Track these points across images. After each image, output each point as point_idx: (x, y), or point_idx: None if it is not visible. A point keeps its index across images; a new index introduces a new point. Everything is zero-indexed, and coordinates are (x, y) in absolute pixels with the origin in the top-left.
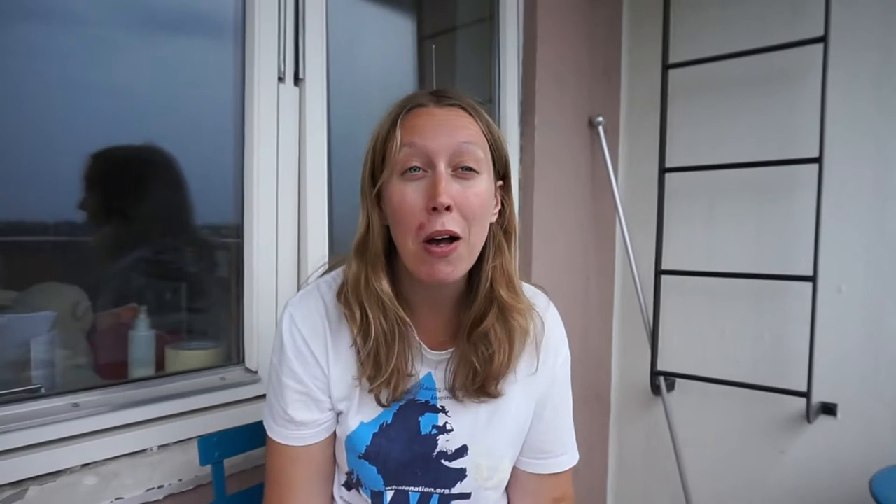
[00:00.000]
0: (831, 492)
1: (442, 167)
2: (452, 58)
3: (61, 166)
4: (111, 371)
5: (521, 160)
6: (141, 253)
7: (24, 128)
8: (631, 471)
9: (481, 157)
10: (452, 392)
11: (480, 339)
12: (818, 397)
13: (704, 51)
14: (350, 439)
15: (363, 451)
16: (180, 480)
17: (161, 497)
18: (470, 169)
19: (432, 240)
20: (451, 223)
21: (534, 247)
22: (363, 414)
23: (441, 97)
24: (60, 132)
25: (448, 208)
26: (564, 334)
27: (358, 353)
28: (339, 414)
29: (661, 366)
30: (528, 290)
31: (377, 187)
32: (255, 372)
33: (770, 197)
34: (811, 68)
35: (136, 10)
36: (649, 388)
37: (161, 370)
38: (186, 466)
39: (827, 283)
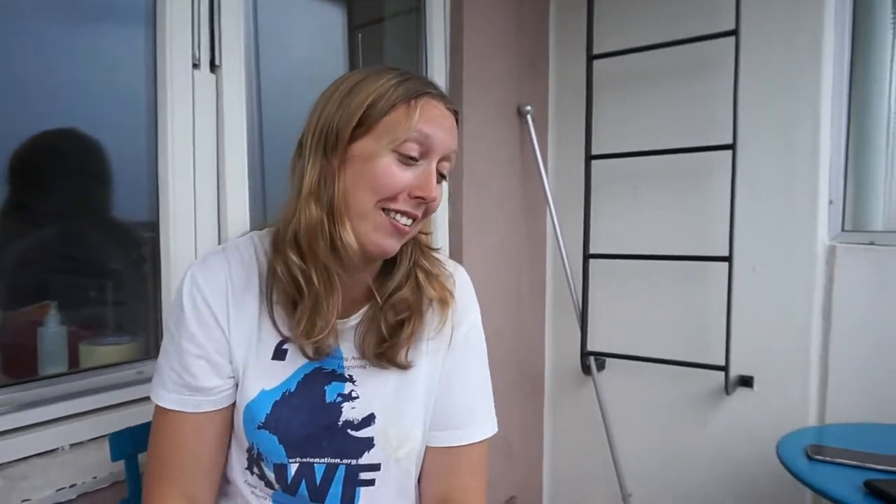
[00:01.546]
0: (750, 458)
1: (434, 165)
2: (380, 48)
3: None
4: (19, 370)
5: None
6: (51, 247)
7: None
8: (565, 450)
9: (453, 164)
10: (363, 357)
11: (391, 308)
12: (736, 371)
13: (627, 42)
14: (249, 408)
15: (263, 420)
16: (95, 478)
17: (74, 496)
18: (443, 176)
19: (391, 212)
20: (420, 210)
21: (464, 235)
22: (264, 381)
23: (444, 97)
24: None
25: (432, 201)
26: (474, 300)
27: (280, 310)
28: (236, 384)
29: (591, 346)
30: (445, 260)
31: (352, 143)
32: None
33: (690, 182)
34: (725, 60)
35: None
36: (580, 369)
37: (75, 367)
38: (102, 464)
39: (741, 263)
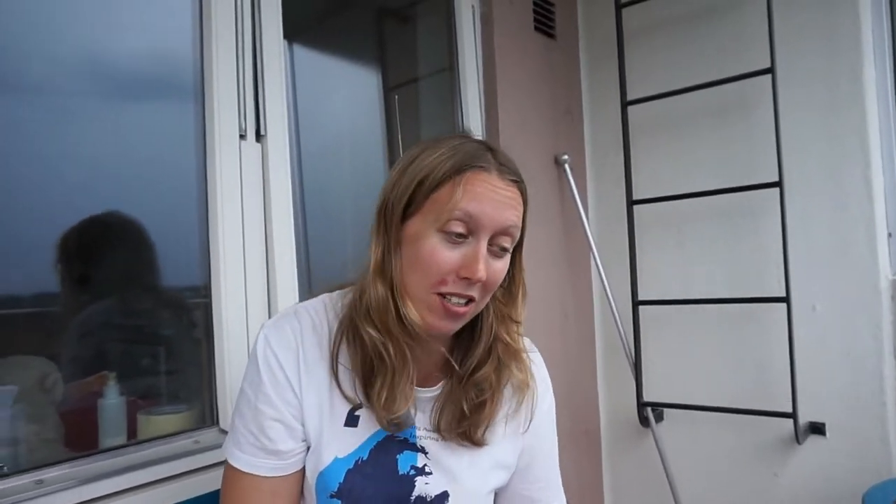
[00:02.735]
0: None
1: (484, 244)
2: (416, 107)
3: (29, 238)
4: (81, 443)
5: None
6: (109, 319)
7: None
8: None
9: (517, 238)
10: (437, 431)
11: (475, 385)
12: (805, 417)
13: (661, 86)
14: (322, 476)
15: (335, 489)
16: None
17: None
18: (505, 249)
19: (447, 294)
20: (473, 291)
21: None
22: (337, 448)
23: (502, 165)
24: (28, 204)
25: (481, 282)
26: (548, 381)
27: (346, 378)
28: (308, 449)
29: (648, 397)
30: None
31: (405, 220)
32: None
33: (736, 222)
34: (763, 98)
35: (98, 78)
36: (637, 420)
37: (133, 438)
38: None
39: (800, 302)
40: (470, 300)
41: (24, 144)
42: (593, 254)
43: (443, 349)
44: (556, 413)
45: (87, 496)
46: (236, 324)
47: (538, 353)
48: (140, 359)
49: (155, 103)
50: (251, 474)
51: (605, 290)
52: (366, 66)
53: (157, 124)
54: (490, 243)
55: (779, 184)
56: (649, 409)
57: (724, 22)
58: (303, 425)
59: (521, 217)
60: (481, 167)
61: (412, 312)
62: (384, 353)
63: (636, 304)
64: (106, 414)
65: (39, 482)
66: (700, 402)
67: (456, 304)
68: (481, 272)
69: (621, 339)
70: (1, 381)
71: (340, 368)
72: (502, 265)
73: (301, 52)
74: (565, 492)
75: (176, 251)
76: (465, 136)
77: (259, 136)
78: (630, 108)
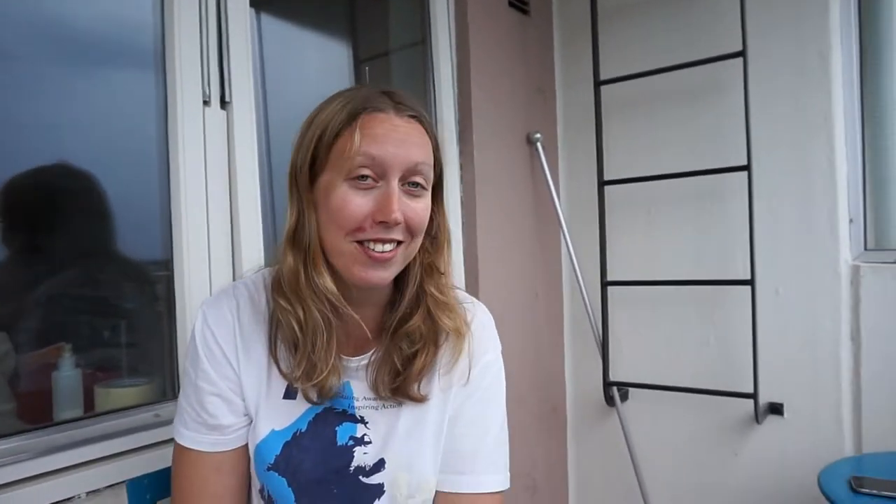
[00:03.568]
0: (783, 488)
1: (395, 183)
2: (388, 80)
3: None
4: (35, 415)
5: (462, 179)
6: (64, 288)
7: None
8: (591, 483)
9: (430, 177)
10: (376, 393)
11: (404, 338)
12: (765, 398)
13: (634, 66)
14: (259, 448)
15: (272, 461)
16: None
17: None
18: (419, 185)
19: (369, 241)
20: (395, 233)
21: (479, 265)
22: (274, 420)
23: (399, 104)
24: None
25: (398, 223)
26: (494, 339)
27: (283, 350)
28: (250, 422)
29: (614, 376)
30: (461, 295)
31: (314, 180)
32: None
33: (706, 205)
34: (734, 81)
35: (56, 42)
36: (603, 399)
37: (91, 410)
38: None
39: (764, 286)
40: (398, 243)
41: None
42: (563, 233)
43: (376, 313)
44: (523, 390)
45: (40, 469)
46: (199, 297)
47: (483, 308)
48: (99, 331)
49: (115, 69)
50: (195, 450)
51: (575, 269)
52: (337, 38)
53: (117, 90)
54: (403, 183)
55: (747, 167)
56: (615, 388)
57: (698, 4)
58: (243, 400)
59: (429, 153)
60: (377, 108)
61: (324, 280)
62: (294, 321)
63: (605, 284)
64: (61, 386)
65: None
66: (665, 382)
67: (380, 251)
68: (396, 213)
69: (589, 318)
70: None
71: (279, 343)
72: (422, 205)
73: (270, 21)
74: (530, 469)
75: (138, 223)
76: (361, 86)
77: (224, 103)
78: (603, 88)
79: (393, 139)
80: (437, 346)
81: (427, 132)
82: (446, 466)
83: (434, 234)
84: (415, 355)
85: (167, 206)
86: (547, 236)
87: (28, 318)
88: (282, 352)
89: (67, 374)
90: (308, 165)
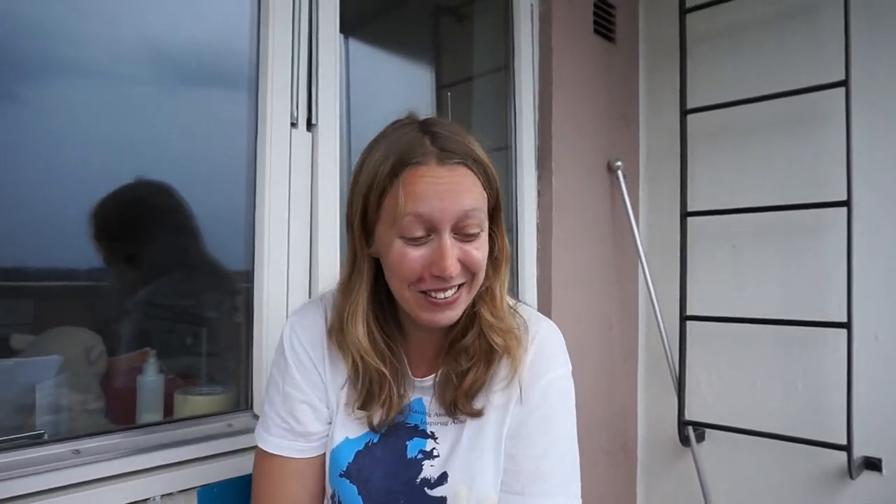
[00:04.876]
0: None
1: (446, 236)
2: (469, 105)
3: (76, 213)
4: (121, 416)
5: (539, 205)
6: (153, 297)
7: (49, 179)
8: None
9: (483, 218)
10: (444, 408)
11: (459, 355)
12: (860, 451)
13: (723, 96)
14: (333, 455)
15: (345, 469)
16: None
17: None
18: (474, 234)
19: (429, 292)
20: (454, 280)
21: (553, 292)
22: (349, 429)
23: (442, 150)
24: (86, 185)
25: (453, 277)
26: (561, 355)
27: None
28: None
29: (690, 415)
30: (528, 313)
31: (369, 231)
32: None
33: (798, 241)
34: (833, 112)
35: (158, 65)
36: (678, 439)
37: (169, 415)
38: None
39: (862, 330)
40: (460, 286)
41: (83, 128)
42: (642, 264)
43: (437, 335)
44: (592, 423)
45: (121, 469)
46: (276, 310)
47: (549, 325)
48: (182, 338)
49: (211, 90)
50: (279, 456)
51: (652, 302)
52: (420, 63)
53: (212, 111)
54: (455, 232)
55: (847, 203)
56: (690, 427)
57: (795, 30)
58: (328, 407)
59: (479, 195)
60: (418, 161)
61: (357, 329)
62: (345, 365)
63: (683, 318)
64: (144, 390)
65: (77, 451)
66: (746, 426)
67: (442, 298)
68: (450, 268)
69: (666, 353)
70: (48, 350)
71: None
72: (478, 246)
73: (357, 46)
74: None
75: (223, 236)
76: (403, 122)
77: (310, 125)
78: (689, 117)
79: (438, 193)
80: (489, 363)
81: (474, 172)
82: (507, 485)
83: (495, 255)
84: (467, 371)
85: (252, 220)
86: (625, 266)
87: (119, 323)
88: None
89: (151, 379)
90: (360, 219)
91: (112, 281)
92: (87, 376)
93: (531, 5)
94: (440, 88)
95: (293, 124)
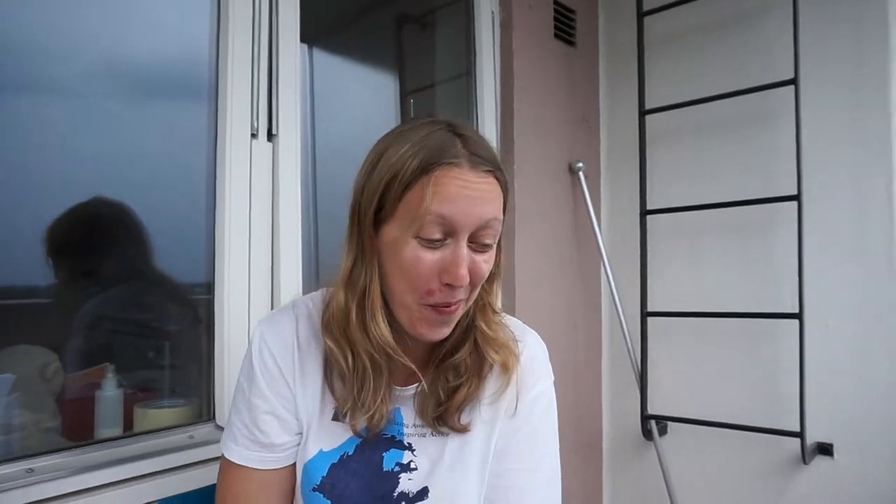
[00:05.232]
0: None
1: (464, 243)
2: (432, 111)
3: (34, 230)
4: (78, 433)
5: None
6: (102, 310)
7: (4, 195)
8: None
9: (499, 231)
10: (423, 421)
11: (449, 370)
12: (813, 437)
13: (680, 96)
14: (306, 468)
15: (318, 483)
16: None
17: None
18: (488, 246)
19: (435, 304)
20: (460, 293)
21: (517, 294)
22: (323, 441)
23: (473, 156)
24: (41, 199)
25: (462, 286)
26: (545, 371)
27: (331, 386)
28: (300, 441)
29: (652, 409)
30: (515, 324)
31: (379, 226)
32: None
33: (752, 236)
34: (784, 109)
35: (114, 77)
36: (640, 433)
37: (129, 430)
38: None
39: (813, 319)
40: (459, 300)
41: (39, 142)
42: (604, 263)
43: (424, 346)
44: (560, 423)
45: (77, 486)
46: (238, 322)
47: (535, 338)
48: (141, 352)
49: (170, 102)
50: (244, 466)
51: (615, 300)
52: (384, 71)
53: (170, 123)
54: (471, 240)
55: (797, 197)
56: (653, 422)
57: (747, 32)
58: (297, 418)
59: (500, 208)
60: (451, 163)
61: (379, 329)
62: (343, 362)
63: (645, 315)
64: (103, 405)
65: (30, 470)
66: (706, 417)
67: (444, 307)
68: (464, 277)
69: (628, 350)
70: (2, 369)
71: (333, 370)
72: (486, 259)
73: (321, 55)
74: (566, 501)
75: (182, 248)
76: (433, 121)
77: (271, 136)
78: (647, 118)
79: (466, 197)
80: (480, 377)
81: (500, 184)
82: (492, 502)
83: (491, 271)
84: (458, 387)
85: (212, 232)
86: (587, 266)
87: (75, 339)
88: (336, 379)
89: (109, 394)
90: (374, 211)
91: (66, 297)
92: (43, 394)
93: (492, 12)
94: (404, 95)
95: (253, 135)
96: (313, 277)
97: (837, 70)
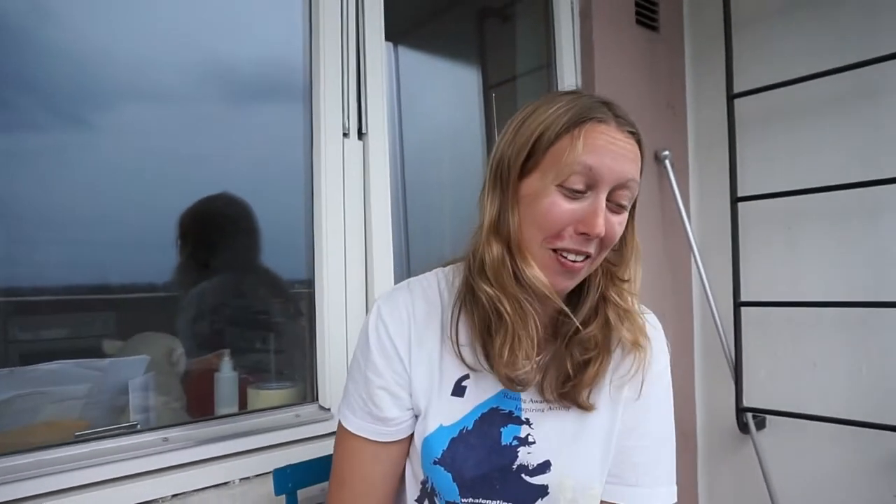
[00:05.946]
0: None
1: (603, 197)
2: (514, 104)
3: (161, 231)
4: (200, 410)
5: None
6: (226, 302)
7: (125, 197)
8: None
9: (636, 192)
10: (542, 396)
11: (579, 344)
12: None
13: (771, 77)
14: (427, 442)
15: (439, 456)
16: None
17: None
18: (623, 206)
19: (563, 251)
20: (590, 247)
21: None
22: (443, 416)
23: (619, 117)
24: (158, 202)
25: (599, 237)
26: (664, 351)
27: (466, 339)
28: (416, 416)
29: (748, 402)
30: (642, 308)
31: (523, 178)
32: (328, 409)
33: (854, 221)
34: (890, 86)
35: (217, 83)
36: (736, 427)
37: (244, 408)
38: (265, 498)
39: None
40: (587, 256)
41: (153, 147)
42: (693, 252)
43: (552, 311)
44: None
45: (204, 455)
46: (336, 311)
47: (653, 318)
48: (252, 340)
49: (267, 105)
50: (358, 436)
51: (705, 289)
52: (467, 65)
53: (268, 125)
54: (608, 198)
55: None
56: (749, 415)
57: (846, 4)
58: (410, 395)
59: (639, 171)
60: (599, 119)
61: (533, 270)
62: (501, 309)
63: (738, 304)
64: (221, 386)
65: (165, 439)
66: (808, 411)
67: (572, 261)
68: (600, 227)
69: (721, 340)
70: (136, 353)
71: (460, 337)
72: (620, 220)
73: (405, 53)
74: None
75: (285, 245)
76: (578, 91)
77: (361, 134)
78: (737, 101)
79: (611, 152)
80: (610, 354)
81: (640, 150)
82: (617, 477)
83: (618, 248)
84: (587, 363)
85: (311, 229)
86: (676, 255)
87: (197, 328)
88: (465, 345)
89: (227, 376)
90: (521, 162)
91: (185, 288)
92: (170, 376)
93: (571, 2)
94: (486, 89)
95: (345, 134)
96: (405, 270)
97: None
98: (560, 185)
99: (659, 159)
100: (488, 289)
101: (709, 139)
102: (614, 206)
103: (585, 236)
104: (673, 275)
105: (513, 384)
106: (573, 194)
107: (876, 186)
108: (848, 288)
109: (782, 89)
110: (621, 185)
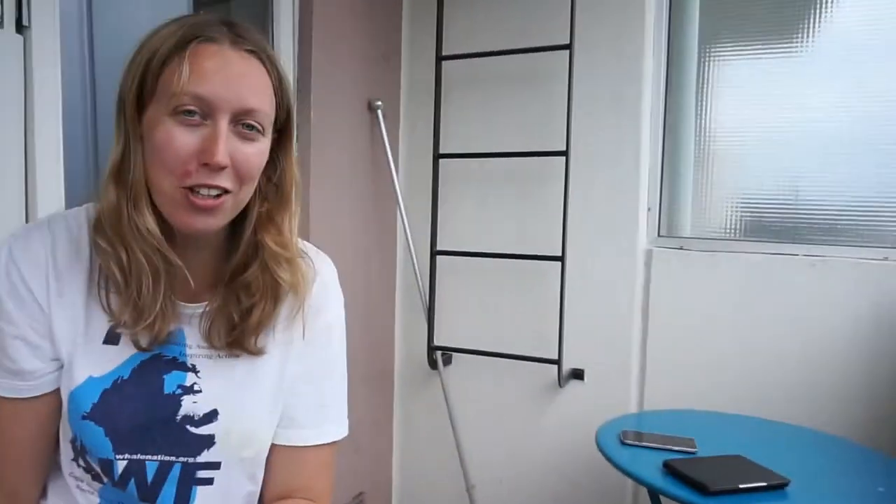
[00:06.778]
0: (578, 445)
1: (223, 124)
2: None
3: None
4: None
5: (298, 138)
6: None
7: None
8: (414, 444)
9: (267, 116)
10: (210, 343)
11: (241, 289)
12: (569, 364)
13: (474, 47)
14: (74, 395)
15: (88, 410)
16: None
17: None
18: (252, 128)
19: (195, 187)
20: (222, 180)
21: (311, 226)
22: (93, 367)
23: (237, 37)
24: None
25: (223, 168)
26: (338, 292)
27: (106, 295)
28: (62, 367)
29: (438, 341)
30: (307, 248)
31: (142, 111)
32: None
33: (530, 185)
34: (562, 71)
35: None
36: (427, 364)
37: None
38: None
39: (573, 263)
40: (224, 191)
41: None
42: (399, 202)
43: (210, 259)
44: (352, 353)
45: None
46: None
47: (326, 261)
48: None
49: None
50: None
51: (407, 237)
52: None
53: None
54: (234, 124)
55: (565, 153)
56: (438, 352)
57: None
58: (52, 343)
59: (268, 96)
60: (210, 38)
61: (146, 221)
62: (115, 264)
63: (434, 253)
64: None
65: None
66: (483, 349)
67: (204, 197)
68: (220, 154)
69: (418, 286)
70: None
71: (105, 283)
72: (255, 149)
73: None
74: (355, 430)
75: None
76: (206, 13)
77: (20, 27)
78: (445, 64)
79: (223, 77)
80: (276, 300)
81: (268, 71)
82: (289, 421)
83: (276, 182)
84: (252, 308)
85: None
86: (384, 202)
87: None
88: (112, 294)
89: None
90: (135, 94)
91: None
92: None
93: None
94: (198, 7)
95: None
96: (92, 185)
97: (604, 39)
98: (173, 114)
99: (372, 108)
100: (104, 244)
101: (419, 96)
102: (245, 131)
103: (208, 167)
104: (381, 222)
105: (143, 343)
106: (188, 121)
107: (543, 157)
108: (521, 242)
109: (483, 60)
110: (243, 112)
